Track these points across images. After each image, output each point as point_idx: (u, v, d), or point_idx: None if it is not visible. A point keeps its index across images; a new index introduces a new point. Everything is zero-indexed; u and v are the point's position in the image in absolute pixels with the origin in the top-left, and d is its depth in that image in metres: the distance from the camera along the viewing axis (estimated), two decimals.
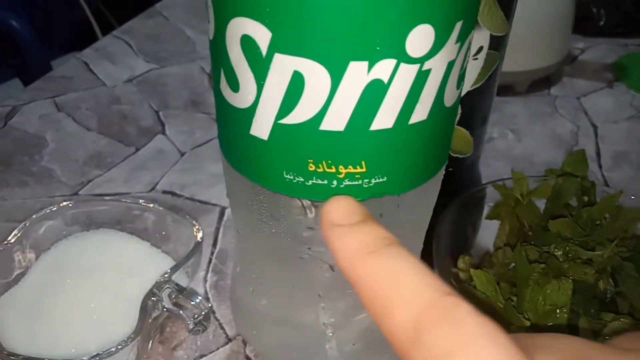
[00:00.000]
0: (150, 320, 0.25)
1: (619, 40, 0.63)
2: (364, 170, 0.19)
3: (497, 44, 0.26)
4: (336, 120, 0.18)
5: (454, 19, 0.16)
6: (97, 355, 0.23)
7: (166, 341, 0.28)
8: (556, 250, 0.24)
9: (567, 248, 0.24)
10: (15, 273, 0.29)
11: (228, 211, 0.37)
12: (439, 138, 0.20)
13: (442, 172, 0.22)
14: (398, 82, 0.17)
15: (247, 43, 0.17)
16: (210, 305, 0.25)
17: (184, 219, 0.30)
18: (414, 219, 0.23)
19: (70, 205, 0.31)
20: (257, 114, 0.18)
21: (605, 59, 0.59)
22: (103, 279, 0.28)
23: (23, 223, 0.29)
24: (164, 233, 0.31)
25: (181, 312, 0.25)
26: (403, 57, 0.16)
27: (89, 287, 0.28)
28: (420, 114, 0.18)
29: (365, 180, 0.19)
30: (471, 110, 0.28)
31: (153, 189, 0.39)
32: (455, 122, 0.21)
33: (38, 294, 0.27)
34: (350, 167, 0.18)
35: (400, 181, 0.20)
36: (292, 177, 0.19)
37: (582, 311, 0.23)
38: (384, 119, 0.18)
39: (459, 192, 0.29)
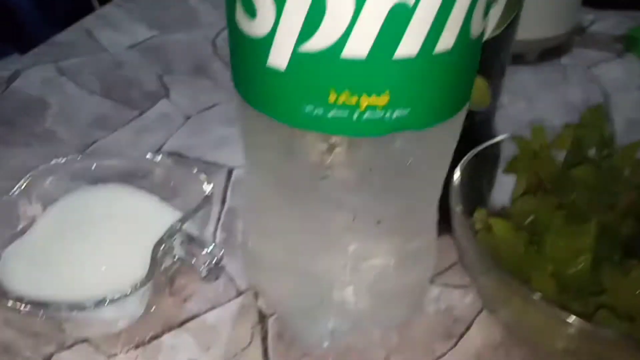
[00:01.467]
0: (161, 269, 0.25)
1: (628, 12, 0.62)
2: (386, 100, 0.18)
3: None
4: (358, 47, 0.17)
5: None
6: (107, 299, 0.23)
7: (176, 293, 0.28)
8: (578, 197, 0.24)
9: (590, 195, 0.24)
10: (22, 225, 0.28)
11: (236, 172, 0.37)
12: (463, 72, 0.19)
13: (464, 113, 0.22)
14: (424, 5, 0.16)
15: None
16: (222, 251, 0.25)
17: (192, 173, 0.29)
18: (434, 164, 0.23)
19: (77, 159, 0.30)
20: (275, 42, 0.18)
21: (615, 30, 0.58)
22: (112, 230, 0.27)
23: (28, 174, 0.29)
24: (172, 187, 0.30)
25: (194, 260, 0.25)
26: None
27: (97, 239, 0.27)
28: (445, 42, 0.17)
29: (388, 112, 0.18)
30: (490, 59, 0.27)
31: (159, 150, 0.38)
32: (479, 59, 0.21)
33: (46, 244, 0.27)
34: (373, 95, 0.18)
35: (423, 115, 0.19)
36: (311, 110, 0.18)
37: (604, 257, 0.22)
38: (408, 46, 0.17)
39: (476, 144, 0.28)
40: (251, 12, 0.18)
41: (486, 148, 0.28)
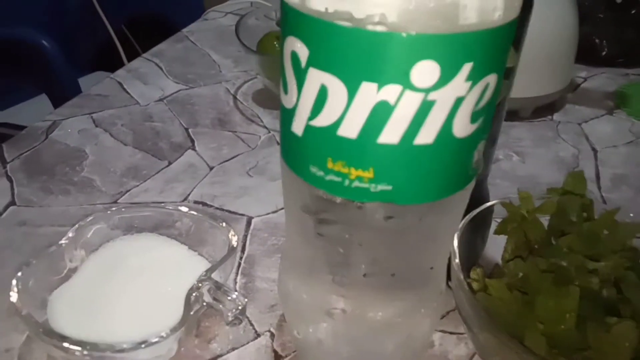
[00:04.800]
0: (191, 314, 0.28)
1: (620, 69, 0.66)
2: (371, 175, 0.21)
3: (507, 73, 0.29)
4: (349, 129, 0.21)
5: (460, 60, 0.19)
6: (146, 342, 0.26)
7: (201, 335, 0.31)
8: (563, 261, 0.27)
9: (573, 259, 0.27)
10: (67, 270, 0.32)
11: (255, 220, 0.40)
12: (449, 163, 0.22)
13: (464, 195, 0.25)
14: (403, 105, 0.19)
15: (294, 57, 0.21)
16: (245, 300, 0.28)
17: (219, 224, 0.33)
18: (439, 228, 0.26)
19: (117, 210, 0.34)
20: (296, 113, 0.22)
21: (607, 87, 0.62)
22: (147, 277, 0.31)
23: (76, 224, 0.32)
24: (199, 236, 0.34)
25: (220, 306, 0.28)
26: (408, 85, 0.19)
27: (134, 285, 0.31)
28: (425, 137, 0.20)
29: (372, 185, 0.22)
30: None
31: (186, 199, 0.42)
32: (475, 152, 0.24)
33: (89, 289, 0.31)
34: (360, 170, 0.21)
35: (405, 193, 0.22)
36: (315, 171, 0.22)
37: (588, 316, 0.26)
38: (390, 135, 0.20)
39: (470, 206, 0.32)
40: (285, 89, 0.22)
41: (480, 211, 0.32)
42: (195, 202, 0.42)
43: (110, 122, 0.52)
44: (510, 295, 0.27)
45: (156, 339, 0.27)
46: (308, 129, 0.22)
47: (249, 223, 0.40)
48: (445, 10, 0.18)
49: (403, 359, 0.29)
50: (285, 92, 0.23)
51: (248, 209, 0.41)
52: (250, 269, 0.36)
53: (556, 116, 0.56)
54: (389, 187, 0.22)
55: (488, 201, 0.34)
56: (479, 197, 0.34)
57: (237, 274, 0.36)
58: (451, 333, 0.32)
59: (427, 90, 0.19)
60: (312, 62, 0.20)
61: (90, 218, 0.33)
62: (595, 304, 0.27)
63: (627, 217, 0.31)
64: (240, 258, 0.37)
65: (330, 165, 0.22)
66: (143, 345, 0.26)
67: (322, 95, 0.21)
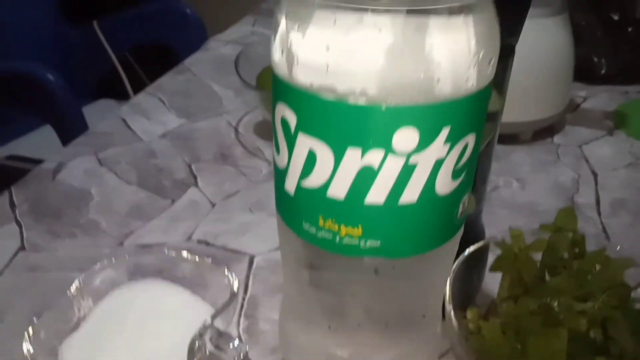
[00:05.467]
0: None
1: (619, 87, 0.67)
2: (360, 232, 0.22)
3: (493, 118, 0.30)
4: (338, 190, 0.22)
5: (438, 125, 0.20)
6: None
7: None
8: (552, 302, 0.28)
9: (562, 300, 0.27)
10: (76, 318, 0.33)
11: (257, 259, 0.41)
12: (433, 219, 0.23)
13: (452, 244, 0.26)
14: (386, 169, 0.21)
15: (284, 123, 0.22)
16: (247, 347, 0.29)
17: (220, 269, 0.34)
18: (430, 277, 0.27)
19: (124, 257, 0.35)
20: (288, 174, 0.23)
21: (606, 106, 0.63)
22: (152, 325, 0.32)
23: (82, 275, 0.33)
24: (202, 280, 0.35)
25: (222, 355, 0.29)
26: (390, 150, 0.20)
27: (140, 333, 0.31)
28: (409, 197, 0.22)
29: (362, 241, 0.23)
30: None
31: (189, 238, 0.43)
32: (460, 204, 0.24)
33: (97, 338, 0.31)
34: (349, 227, 0.22)
35: (393, 248, 0.23)
36: (308, 227, 0.23)
37: (578, 356, 0.26)
38: (376, 196, 0.21)
39: (464, 244, 0.32)
40: (277, 150, 0.23)
41: (475, 249, 0.32)
42: (199, 241, 0.43)
43: (114, 161, 0.53)
44: (503, 338, 0.27)
45: None
46: (300, 189, 0.23)
47: (251, 262, 0.41)
48: (420, 84, 0.19)
49: None
50: (278, 152, 0.24)
51: (250, 247, 0.42)
52: (253, 310, 0.37)
53: (556, 138, 0.57)
54: (378, 243, 0.23)
55: (483, 238, 0.35)
56: (473, 235, 0.34)
57: (240, 316, 0.36)
58: None
59: (408, 154, 0.20)
60: (301, 128, 0.21)
61: (97, 266, 0.34)
62: (584, 344, 0.27)
63: (622, 248, 0.32)
64: (243, 299, 0.38)
65: (321, 222, 0.23)
66: None
67: (311, 159, 0.22)
